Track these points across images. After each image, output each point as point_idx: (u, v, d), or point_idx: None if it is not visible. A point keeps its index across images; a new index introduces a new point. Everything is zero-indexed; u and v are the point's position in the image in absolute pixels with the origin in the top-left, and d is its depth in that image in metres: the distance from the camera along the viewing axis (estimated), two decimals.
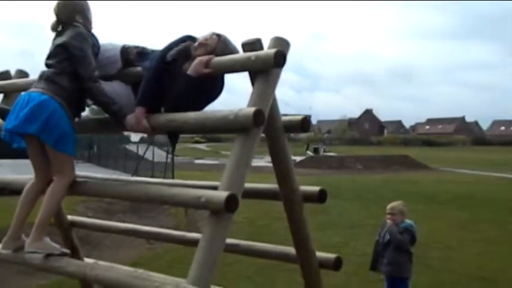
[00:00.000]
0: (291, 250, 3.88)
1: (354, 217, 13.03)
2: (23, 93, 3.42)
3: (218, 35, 3.36)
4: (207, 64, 3.18)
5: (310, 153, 44.65)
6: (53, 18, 3.58)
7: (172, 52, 3.32)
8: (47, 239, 3.41)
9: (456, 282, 7.27)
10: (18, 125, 3.25)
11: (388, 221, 5.61)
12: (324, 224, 11.39)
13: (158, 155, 21.31)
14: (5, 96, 4.55)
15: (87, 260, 4.74)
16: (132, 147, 22.20)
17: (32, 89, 3.37)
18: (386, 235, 5.61)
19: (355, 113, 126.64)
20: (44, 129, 3.21)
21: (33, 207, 3.53)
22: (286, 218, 3.73)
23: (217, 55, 3.23)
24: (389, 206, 5.66)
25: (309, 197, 3.60)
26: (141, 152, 21.30)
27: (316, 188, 3.60)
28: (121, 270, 3.06)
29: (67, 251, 3.44)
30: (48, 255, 3.30)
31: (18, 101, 3.34)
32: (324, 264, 3.82)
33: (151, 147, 21.01)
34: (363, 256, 8.62)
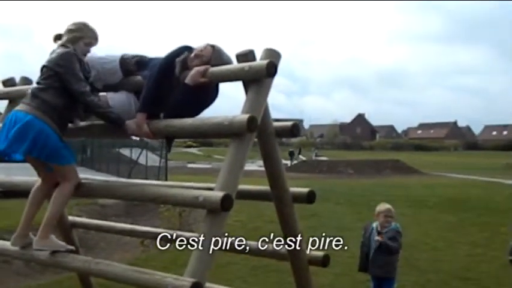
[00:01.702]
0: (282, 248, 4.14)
1: (344, 220, 13.27)
2: (12, 111, 3.65)
3: (212, 46, 3.63)
4: (203, 74, 3.45)
5: (302, 157, 44.95)
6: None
7: (171, 63, 3.58)
8: (53, 237, 3.65)
9: (442, 282, 7.51)
10: (8, 146, 3.48)
11: (375, 224, 5.79)
12: (315, 227, 11.61)
13: (151, 159, 21.49)
14: (10, 103, 4.77)
15: None
16: (125, 152, 22.35)
17: (18, 107, 3.60)
18: (372, 237, 5.73)
19: (347, 117, 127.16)
20: (33, 148, 3.43)
21: (40, 208, 3.77)
22: (277, 221, 3.98)
23: (212, 65, 3.51)
24: (384, 207, 5.72)
25: (298, 198, 3.87)
26: (134, 157, 21.46)
27: (305, 190, 3.88)
28: (123, 266, 3.30)
29: (72, 247, 3.68)
30: (54, 252, 3.54)
31: (6, 121, 3.57)
32: (312, 261, 4.07)
33: (144, 152, 21.19)
34: (352, 258, 8.86)
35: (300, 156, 46.67)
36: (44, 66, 3.69)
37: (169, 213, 11.68)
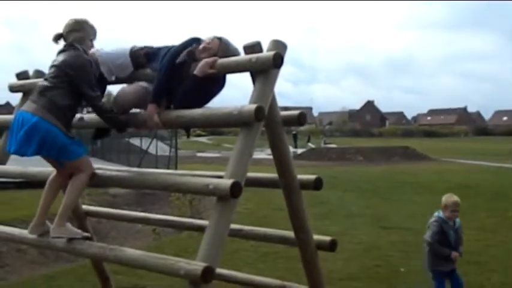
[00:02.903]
0: (290, 234, 4.27)
1: (352, 207, 13.37)
2: (18, 111, 3.77)
3: (219, 38, 3.73)
4: (212, 65, 3.56)
5: (311, 145, 44.98)
6: (58, 30, 3.96)
7: (181, 55, 3.69)
8: (69, 225, 3.79)
9: None
10: (18, 148, 3.60)
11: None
12: (323, 214, 11.74)
13: (161, 148, 21.67)
14: (24, 95, 4.90)
15: None
16: (135, 141, 22.54)
17: (25, 107, 3.72)
18: (448, 232, 5.45)
19: (356, 104, 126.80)
20: (42, 148, 3.55)
21: (56, 197, 3.91)
22: (285, 208, 4.10)
23: (220, 57, 3.62)
24: (452, 200, 5.43)
25: (305, 185, 3.98)
26: (144, 146, 21.64)
27: (313, 177, 3.99)
28: (137, 252, 3.42)
29: (88, 234, 3.81)
30: (71, 239, 3.68)
31: (14, 122, 3.68)
32: (320, 246, 4.19)
33: (154, 141, 21.36)
34: (360, 244, 9.02)
35: (309, 144, 46.73)
36: (54, 66, 3.80)
37: (180, 202, 11.84)
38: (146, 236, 10.62)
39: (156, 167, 18.26)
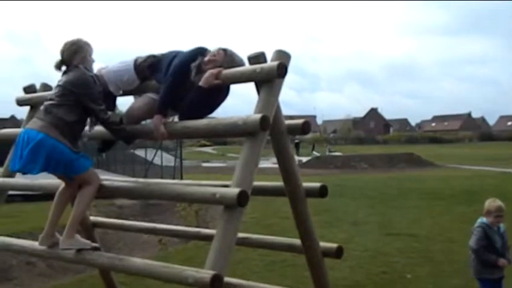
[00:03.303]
0: (297, 241, 4.30)
1: (358, 214, 13.37)
2: (23, 129, 3.83)
3: (225, 50, 3.80)
4: (217, 76, 3.62)
5: (316, 153, 45.00)
6: (57, 56, 4.02)
7: (192, 72, 3.74)
8: (78, 236, 3.84)
9: (457, 272, 7.58)
10: (23, 166, 3.65)
11: (502, 224, 5.35)
12: (329, 222, 11.75)
13: (166, 159, 21.75)
14: (31, 109, 4.97)
15: None
16: (140, 153, 22.62)
17: (30, 125, 3.78)
18: (493, 237, 5.27)
19: (360, 112, 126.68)
20: (48, 165, 3.61)
21: (65, 209, 3.96)
22: (291, 217, 4.12)
23: (225, 68, 3.68)
24: (495, 206, 5.24)
25: (311, 193, 4.02)
26: (149, 157, 21.72)
27: (318, 184, 4.03)
28: (146, 261, 3.48)
29: (97, 245, 3.86)
30: (80, 250, 3.73)
31: (19, 140, 3.73)
32: (326, 253, 4.22)
33: (158, 152, 21.44)
34: (366, 251, 9.03)
35: (314, 152, 46.73)
36: (58, 86, 3.88)
37: (186, 212, 11.88)
38: (152, 247, 10.66)
39: (162, 177, 18.32)
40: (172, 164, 21.34)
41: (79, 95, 3.76)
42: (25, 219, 11.16)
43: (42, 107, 3.90)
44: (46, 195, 12.28)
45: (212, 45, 3.92)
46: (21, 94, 5.06)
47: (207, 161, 44.29)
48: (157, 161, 21.48)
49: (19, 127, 5.82)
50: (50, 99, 3.87)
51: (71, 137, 3.74)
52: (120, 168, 23.28)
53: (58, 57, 4.02)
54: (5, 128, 5.26)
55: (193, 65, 3.74)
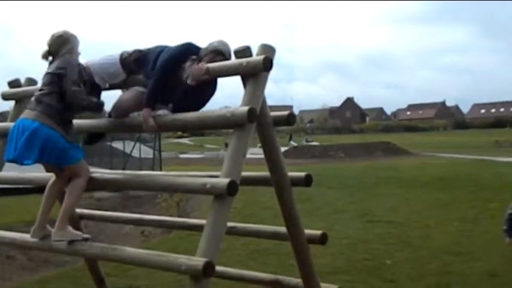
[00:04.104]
0: (282, 229, 4.45)
1: (337, 203, 13.58)
2: (18, 119, 3.85)
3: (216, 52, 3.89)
4: (205, 72, 3.72)
5: (293, 143, 45.24)
6: (44, 47, 4.08)
7: (186, 72, 3.83)
8: (70, 228, 3.92)
9: (434, 257, 7.83)
10: (18, 155, 3.69)
11: None
12: (310, 211, 11.92)
13: (144, 151, 21.73)
14: (16, 103, 5.01)
15: None
16: (117, 145, 22.53)
17: (24, 115, 3.83)
18: None
19: (336, 101, 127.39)
20: (43, 154, 3.65)
21: (55, 201, 4.04)
22: (271, 207, 4.26)
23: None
24: None
25: (296, 182, 4.16)
26: (127, 150, 21.66)
27: (303, 174, 4.18)
28: (138, 250, 3.58)
29: (88, 236, 3.92)
30: (72, 241, 3.81)
31: (14, 130, 3.77)
32: (311, 240, 4.38)
33: (137, 145, 21.41)
34: (347, 238, 9.23)
35: (291, 142, 46.95)
36: (46, 74, 3.94)
37: (167, 204, 11.97)
38: (134, 238, 10.72)
39: (141, 170, 18.32)
40: (151, 156, 21.33)
41: (62, 76, 3.80)
42: (4, 213, 11.10)
43: (33, 98, 3.95)
44: (25, 189, 12.25)
45: (184, 37, 4.01)
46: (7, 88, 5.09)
47: (185, 153, 44.23)
48: (135, 153, 21.44)
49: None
50: (40, 90, 3.92)
51: (63, 125, 3.80)
52: (97, 161, 23.12)
53: (45, 48, 4.07)
54: None
55: (187, 64, 3.81)
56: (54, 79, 3.86)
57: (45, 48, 4.06)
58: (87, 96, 3.92)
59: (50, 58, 4.05)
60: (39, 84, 4.66)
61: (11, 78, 5.12)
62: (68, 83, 3.79)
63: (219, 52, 3.86)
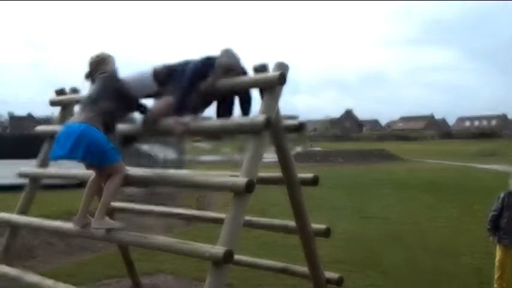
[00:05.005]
0: (291, 223, 4.48)
1: (336, 201, 13.58)
2: (66, 123, 3.95)
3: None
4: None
5: (298, 148, 45.09)
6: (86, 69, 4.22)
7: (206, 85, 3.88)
8: (107, 218, 3.97)
9: (423, 250, 7.84)
10: (65, 154, 3.70)
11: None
12: (311, 207, 11.75)
13: (168, 153, 21.79)
14: (62, 109, 5.09)
15: None
16: (144, 147, 22.60)
17: (72, 119, 3.91)
18: (505, 204, 5.47)
19: (336, 113, 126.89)
20: (87, 154, 3.67)
21: (95, 195, 4.09)
22: (279, 204, 4.30)
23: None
24: None
25: (305, 182, 4.20)
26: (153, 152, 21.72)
27: (311, 175, 4.21)
28: (168, 239, 3.60)
29: (124, 225, 3.96)
30: (109, 230, 3.86)
31: (61, 133, 3.80)
32: (317, 233, 4.40)
33: (161, 147, 21.47)
34: (344, 233, 9.22)
35: (297, 148, 46.87)
36: (95, 82, 4.05)
37: (188, 200, 12.01)
38: (158, 230, 10.75)
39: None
40: (174, 158, 21.38)
41: (115, 85, 3.93)
42: (50, 205, 11.17)
43: (81, 103, 4.03)
44: (65, 184, 12.30)
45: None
46: (37, 95, 5.22)
47: (203, 155, 44.21)
48: (160, 155, 21.49)
49: (38, 124, 5.94)
50: (89, 95, 3.99)
51: (106, 128, 3.85)
52: (127, 161, 23.22)
53: (86, 69, 4.20)
54: (40, 125, 5.36)
55: (210, 78, 3.82)
56: (102, 86, 3.94)
57: (87, 69, 4.18)
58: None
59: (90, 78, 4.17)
60: (82, 93, 4.77)
61: (47, 87, 5.21)
62: (123, 88, 3.93)
63: (229, 69, 3.83)
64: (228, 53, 3.88)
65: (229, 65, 3.87)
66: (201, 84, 3.86)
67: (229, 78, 3.80)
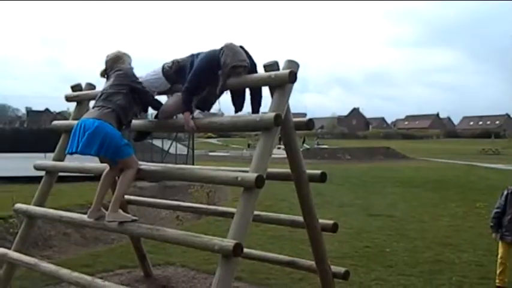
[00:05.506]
0: (299, 218, 4.45)
1: (344, 198, 13.52)
2: (81, 118, 3.90)
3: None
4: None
5: (306, 145, 45.02)
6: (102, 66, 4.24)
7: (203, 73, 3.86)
8: (121, 211, 3.97)
9: (427, 247, 7.77)
10: (80, 150, 3.71)
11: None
12: (319, 204, 11.78)
13: (179, 148, 21.84)
14: (78, 104, 5.10)
15: None
16: (157, 143, 22.67)
17: (87, 115, 3.88)
18: (509, 202, 5.47)
19: (344, 111, 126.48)
20: (101, 149, 3.67)
21: (109, 188, 4.09)
22: (287, 199, 4.26)
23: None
24: None
25: (313, 178, 4.16)
26: (165, 147, 21.80)
27: (319, 171, 4.17)
28: (179, 232, 3.59)
29: (136, 218, 3.96)
30: (122, 222, 3.86)
31: (77, 127, 3.80)
32: (324, 228, 4.37)
33: (173, 143, 21.55)
34: (351, 228, 9.18)
35: (305, 145, 46.76)
36: (111, 78, 4.05)
37: (198, 194, 12.02)
38: (170, 222, 10.77)
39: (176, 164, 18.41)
40: (185, 153, 21.42)
41: (130, 82, 3.94)
42: (65, 197, 11.24)
43: (96, 99, 4.02)
44: (79, 176, 12.34)
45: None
46: (53, 91, 5.27)
47: (213, 151, 44.29)
48: (172, 150, 21.55)
49: (54, 119, 5.97)
50: (102, 93, 3.98)
51: (124, 120, 3.87)
52: (139, 156, 23.26)
53: (102, 67, 4.22)
54: (56, 119, 5.38)
55: (220, 82, 3.77)
56: (116, 83, 3.94)
57: (103, 67, 4.19)
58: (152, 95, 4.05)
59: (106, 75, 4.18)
60: (98, 89, 4.77)
61: (63, 83, 5.22)
62: (138, 84, 3.95)
63: (235, 67, 3.72)
64: (231, 51, 3.75)
65: (236, 62, 3.74)
66: (209, 80, 3.81)
67: (238, 74, 3.73)
